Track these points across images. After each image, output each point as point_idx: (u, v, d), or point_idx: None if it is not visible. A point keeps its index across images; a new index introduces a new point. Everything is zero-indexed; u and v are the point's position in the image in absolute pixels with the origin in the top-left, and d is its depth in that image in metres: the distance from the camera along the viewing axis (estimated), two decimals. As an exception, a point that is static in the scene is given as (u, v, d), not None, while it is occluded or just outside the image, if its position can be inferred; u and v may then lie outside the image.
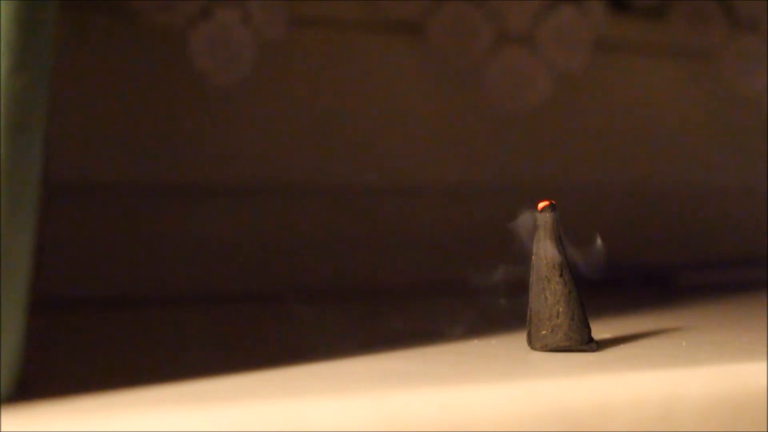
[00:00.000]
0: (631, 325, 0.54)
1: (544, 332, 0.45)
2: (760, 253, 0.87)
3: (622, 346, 0.46)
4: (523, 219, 0.46)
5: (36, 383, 0.36)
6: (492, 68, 0.79)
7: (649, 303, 0.69)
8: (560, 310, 0.44)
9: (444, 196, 0.79)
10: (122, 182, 0.69)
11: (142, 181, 0.70)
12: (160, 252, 0.70)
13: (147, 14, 0.68)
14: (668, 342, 0.48)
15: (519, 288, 0.48)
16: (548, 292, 0.45)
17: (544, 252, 0.45)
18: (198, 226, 0.71)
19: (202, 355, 0.48)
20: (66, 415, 0.32)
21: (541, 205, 0.46)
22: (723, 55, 0.87)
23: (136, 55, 0.69)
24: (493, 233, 0.79)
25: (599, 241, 0.46)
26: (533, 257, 0.45)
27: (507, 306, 0.48)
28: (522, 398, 0.37)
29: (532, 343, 0.45)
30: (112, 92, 0.69)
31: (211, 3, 0.69)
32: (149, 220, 0.70)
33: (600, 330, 0.48)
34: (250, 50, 0.70)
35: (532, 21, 0.80)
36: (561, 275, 0.45)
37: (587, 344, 0.44)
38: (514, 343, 0.47)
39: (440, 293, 0.77)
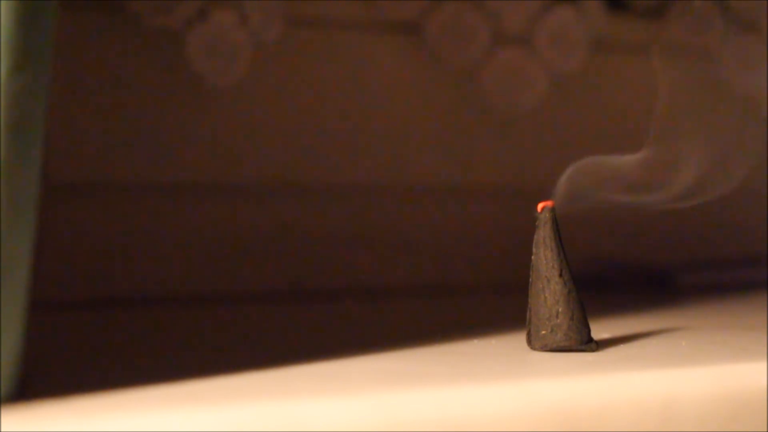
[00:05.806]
0: (631, 325, 0.54)
1: (543, 332, 0.45)
2: (760, 253, 0.87)
3: (622, 346, 0.46)
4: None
5: (36, 383, 0.36)
6: (490, 69, 0.79)
7: (649, 303, 0.69)
8: (560, 310, 0.44)
9: (443, 196, 0.79)
10: (122, 182, 0.69)
11: (142, 181, 0.70)
12: (159, 252, 0.70)
13: (147, 14, 0.68)
14: (668, 342, 0.48)
15: (519, 288, 0.48)
16: (548, 292, 0.45)
17: (544, 252, 0.45)
18: (197, 226, 0.71)
19: (202, 355, 0.48)
20: (66, 415, 0.32)
21: (541, 205, 0.46)
22: (723, 55, 0.87)
23: (136, 55, 0.69)
24: (492, 233, 0.79)
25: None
26: (533, 257, 0.45)
27: (507, 306, 0.48)
28: (522, 398, 0.36)
29: (531, 343, 0.45)
30: (111, 92, 0.69)
31: (210, 3, 0.69)
32: (148, 219, 0.70)
33: (600, 330, 0.48)
34: (249, 51, 0.70)
35: (531, 21, 0.80)
36: (561, 275, 0.45)
37: (587, 344, 0.44)
38: (514, 343, 0.47)
39: (440, 293, 0.77)
